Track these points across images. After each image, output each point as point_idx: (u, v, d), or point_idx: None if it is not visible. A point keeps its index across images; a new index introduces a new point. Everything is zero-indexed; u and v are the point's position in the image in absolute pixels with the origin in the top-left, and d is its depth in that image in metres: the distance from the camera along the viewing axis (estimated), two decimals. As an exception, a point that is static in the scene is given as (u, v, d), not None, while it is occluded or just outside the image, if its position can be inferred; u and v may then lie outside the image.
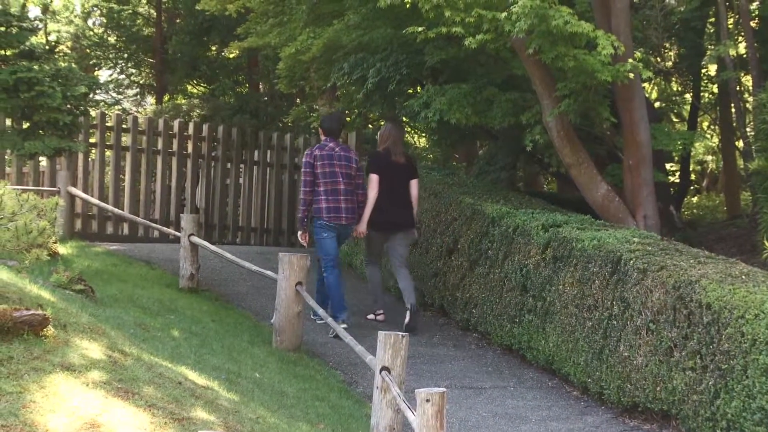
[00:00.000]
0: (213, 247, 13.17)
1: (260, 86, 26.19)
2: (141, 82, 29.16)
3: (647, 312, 9.04)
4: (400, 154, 12.76)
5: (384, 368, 7.45)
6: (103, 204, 16.74)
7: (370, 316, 12.73)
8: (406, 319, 12.21)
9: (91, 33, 29.41)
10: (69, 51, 28.24)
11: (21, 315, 6.79)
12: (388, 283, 13.63)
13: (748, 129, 15.49)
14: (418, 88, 15.83)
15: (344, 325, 11.28)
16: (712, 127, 23.32)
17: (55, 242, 12.96)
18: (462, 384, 10.23)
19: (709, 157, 26.15)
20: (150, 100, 29.65)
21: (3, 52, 12.95)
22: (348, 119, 18.09)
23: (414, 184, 12.72)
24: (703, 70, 18.19)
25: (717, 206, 22.99)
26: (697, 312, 8.41)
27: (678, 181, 18.96)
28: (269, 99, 24.67)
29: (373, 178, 12.50)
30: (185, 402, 6.64)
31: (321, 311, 10.49)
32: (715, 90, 19.23)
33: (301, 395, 8.93)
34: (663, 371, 8.71)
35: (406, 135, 25.05)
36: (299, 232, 12.36)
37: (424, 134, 24.85)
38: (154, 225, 15.90)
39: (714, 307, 8.21)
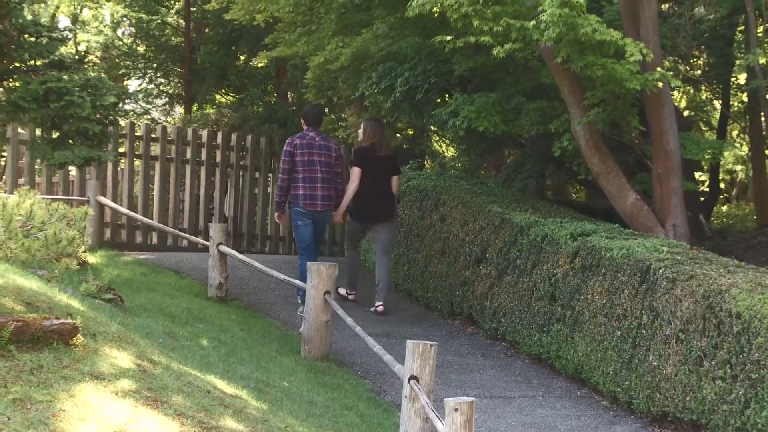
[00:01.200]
0: (241, 256, 13.20)
1: (288, 96, 26.20)
2: (170, 91, 29.23)
3: (677, 321, 9.00)
4: (385, 149, 13.61)
5: (412, 377, 7.44)
6: (132, 213, 16.80)
7: (342, 291, 13.83)
8: (377, 309, 13.42)
9: (121, 43, 29.51)
10: (98, 61, 28.35)
11: (51, 324, 6.82)
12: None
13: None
14: (446, 96, 15.82)
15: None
16: (741, 135, 23.21)
17: (85, 251, 13.02)
18: (491, 393, 10.21)
19: (739, 167, 26.02)
20: (179, 109, 29.72)
21: (33, 62, 13.00)
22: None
23: (395, 180, 13.66)
24: (733, 79, 18.11)
25: (747, 215, 22.88)
26: (726, 321, 8.37)
27: (707, 189, 18.88)
28: (297, 108, 24.68)
29: (355, 171, 13.36)
30: (214, 411, 6.65)
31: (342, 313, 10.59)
32: (745, 99, 19.14)
33: (330, 404, 8.93)
34: (693, 381, 8.67)
35: (435, 144, 25.08)
36: (276, 214, 13.24)
37: (451, 143, 24.83)
38: (182, 234, 15.94)
39: (744, 317, 8.17)
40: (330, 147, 13.00)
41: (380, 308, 13.35)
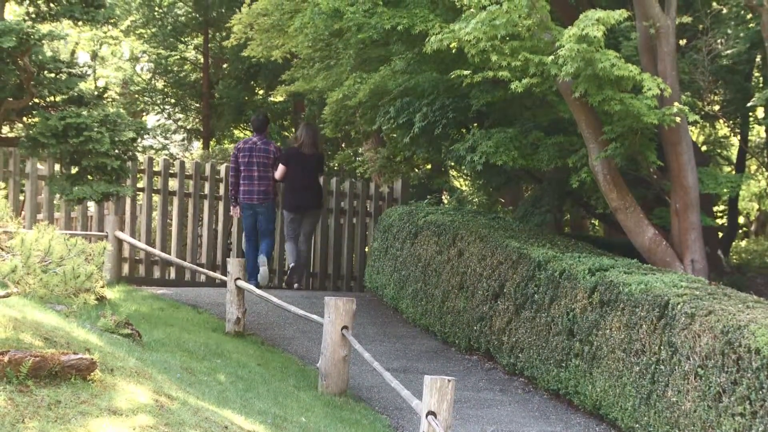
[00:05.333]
0: (259, 291, 13.21)
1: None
2: (188, 126, 29.31)
3: (695, 357, 8.96)
4: (311, 149, 16.63)
5: (430, 413, 7.42)
6: (150, 248, 16.82)
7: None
8: (295, 286, 16.64)
9: (139, 78, 29.65)
10: (117, 96, 28.47)
11: (69, 359, 6.83)
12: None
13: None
14: (464, 131, 15.83)
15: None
16: (760, 170, 23.15)
17: (103, 286, 13.02)
18: (508, 429, 10.17)
19: (756, 204, 25.90)
20: (197, 144, 29.80)
21: (52, 98, 13.09)
22: (396, 159, 18.18)
23: (321, 179, 17.24)
24: (751, 114, 18.08)
25: (765, 250, 22.78)
26: (746, 357, 8.33)
27: (726, 225, 18.82)
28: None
29: (280, 168, 16.41)
30: (231, 446, 6.64)
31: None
32: (763, 133, 19.10)
33: (347, 440, 8.91)
34: (712, 417, 8.63)
35: (452, 179, 25.11)
36: (231, 207, 16.86)
37: (468, 178, 24.84)
38: (200, 269, 15.96)
39: (763, 352, 8.13)
40: (269, 150, 16.45)
41: (296, 285, 16.60)
